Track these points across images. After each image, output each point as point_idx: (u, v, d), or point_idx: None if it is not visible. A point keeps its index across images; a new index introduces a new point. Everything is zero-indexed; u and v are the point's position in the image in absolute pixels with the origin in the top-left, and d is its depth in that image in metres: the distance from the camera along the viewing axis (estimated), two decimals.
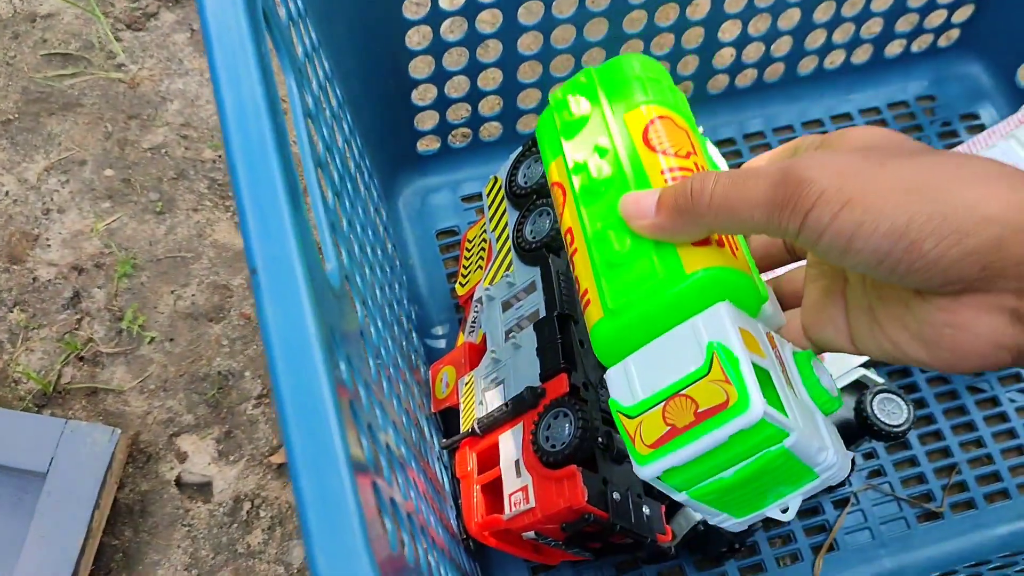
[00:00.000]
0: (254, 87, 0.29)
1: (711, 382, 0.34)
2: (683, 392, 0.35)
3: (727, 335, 0.35)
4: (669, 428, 0.34)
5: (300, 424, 0.24)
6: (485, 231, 0.73)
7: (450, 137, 0.84)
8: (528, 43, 0.77)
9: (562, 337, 0.58)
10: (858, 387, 0.66)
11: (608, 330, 0.38)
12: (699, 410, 0.34)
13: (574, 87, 0.46)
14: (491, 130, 0.86)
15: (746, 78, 0.89)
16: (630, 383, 0.37)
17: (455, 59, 0.77)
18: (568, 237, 0.42)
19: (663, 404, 0.35)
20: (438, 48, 0.75)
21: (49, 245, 0.82)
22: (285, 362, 0.25)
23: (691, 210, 0.35)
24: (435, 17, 0.72)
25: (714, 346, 0.34)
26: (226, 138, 0.29)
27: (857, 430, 0.64)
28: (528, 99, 0.82)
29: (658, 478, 0.36)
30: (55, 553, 0.65)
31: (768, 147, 0.89)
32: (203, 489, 0.74)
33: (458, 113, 0.83)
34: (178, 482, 0.74)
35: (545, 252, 0.63)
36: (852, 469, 0.67)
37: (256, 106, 0.29)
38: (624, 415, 0.36)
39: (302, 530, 0.24)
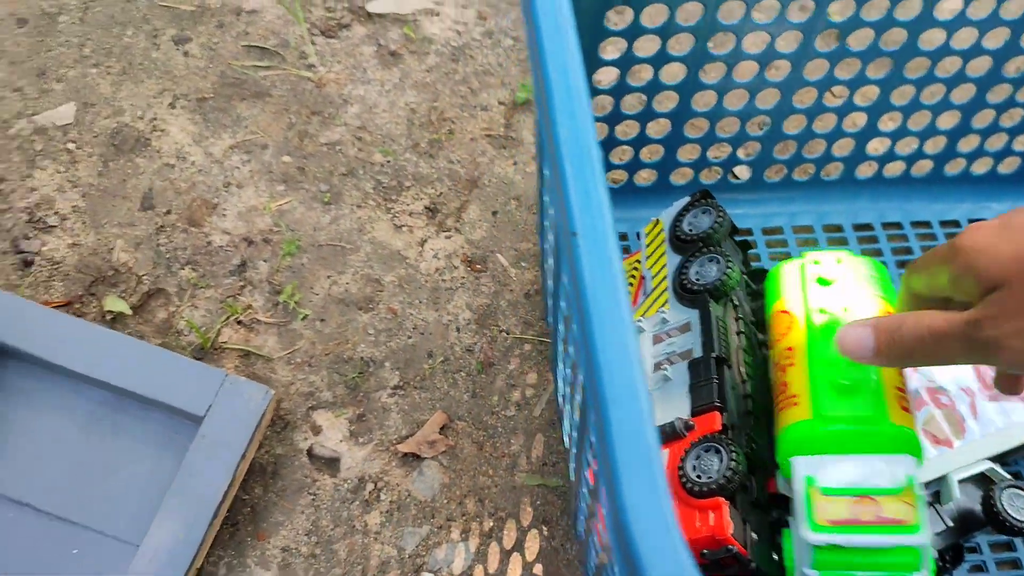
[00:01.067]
0: (578, 78, 0.33)
1: (901, 501, 0.46)
2: (875, 497, 0.47)
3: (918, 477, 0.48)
4: (851, 516, 0.46)
5: (613, 366, 0.27)
6: (637, 267, 0.75)
7: (611, 177, 0.87)
8: (706, 101, 0.80)
9: (718, 378, 0.60)
10: (984, 480, 0.67)
11: (809, 428, 0.51)
12: (881, 515, 0.46)
13: (826, 259, 0.62)
14: (646, 176, 0.89)
15: (894, 169, 0.91)
16: (828, 471, 0.49)
17: (630, 104, 0.80)
18: (788, 351, 0.57)
19: (856, 498, 0.47)
20: (620, 91, 0.78)
21: (225, 215, 0.86)
22: (599, 314, 0.28)
23: (899, 343, 0.42)
24: (623, 62, 0.76)
25: (913, 478, 0.48)
26: (553, 120, 0.32)
27: (981, 522, 0.65)
28: (688, 153, 0.85)
29: (813, 547, 0.48)
30: (201, 492, 0.68)
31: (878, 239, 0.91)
32: (331, 464, 0.76)
33: (621, 156, 0.87)
34: (309, 452, 0.77)
35: (706, 296, 0.65)
36: (961, 560, 0.67)
37: (580, 93, 0.32)
38: (817, 490, 0.48)
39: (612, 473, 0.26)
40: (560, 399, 0.78)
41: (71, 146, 0.90)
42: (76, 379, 0.73)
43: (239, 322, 0.82)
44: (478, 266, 0.87)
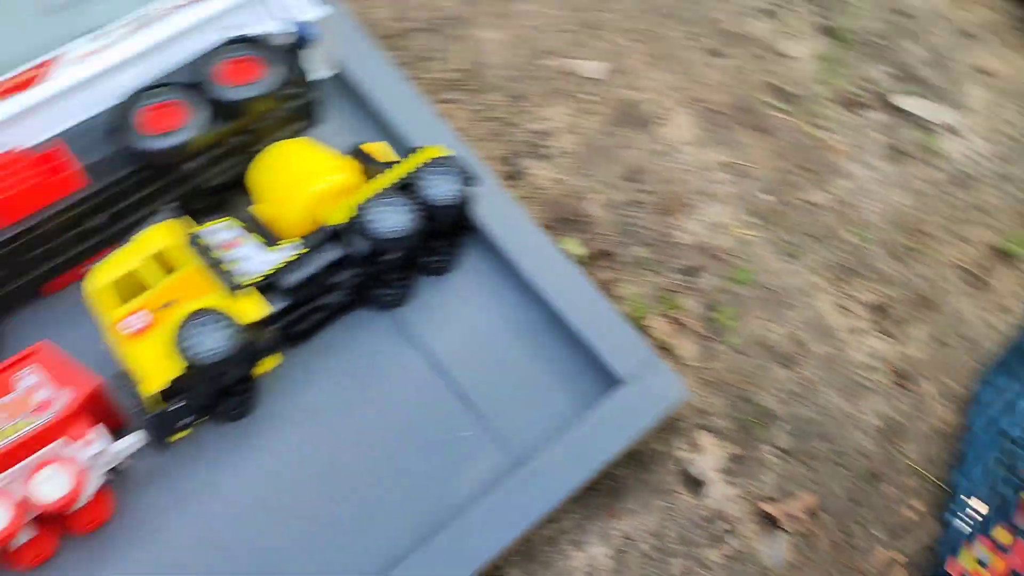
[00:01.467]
0: None
1: None
2: None
3: None
4: None
5: None
6: None
7: None
8: None
9: None
10: None
11: None
12: None
13: None
14: None
15: None
16: None
17: None
18: None
19: None
20: None
21: (694, 218, 0.88)
22: None
23: None
24: None
25: None
26: None
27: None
28: None
29: None
30: (590, 448, 0.69)
31: None
32: (697, 485, 0.75)
33: None
34: (682, 464, 0.76)
35: None
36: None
37: None
38: None
39: None
40: (947, 550, 0.73)
41: (589, 97, 0.95)
42: (525, 290, 0.76)
43: (669, 317, 0.82)
44: (904, 382, 0.83)
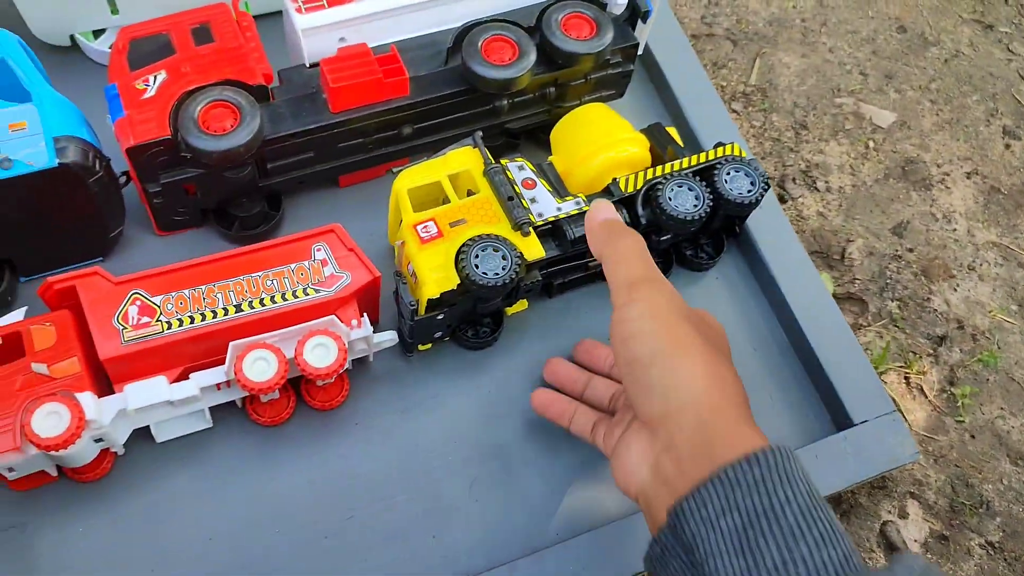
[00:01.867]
0: None
1: None
2: None
3: None
4: None
5: None
6: None
7: None
8: None
9: None
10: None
11: None
12: None
13: None
14: None
15: None
16: None
17: None
18: None
19: None
20: None
21: (955, 289, 0.84)
22: None
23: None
24: None
25: None
26: None
27: None
28: None
29: None
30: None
31: None
32: (892, 551, 0.72)
33: None
34: (883, 524, 0.73)
35: None
36: None
37: None
38: None
39: None
40: None
41: (870, 144, 0.93)
42: (776, 308, 0.75)
43: (906, 379, 0.79)
44: None
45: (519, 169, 0.63)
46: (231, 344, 0.58)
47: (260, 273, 0.60)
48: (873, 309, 0.79)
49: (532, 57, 0.68)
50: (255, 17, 0.68)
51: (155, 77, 0.62)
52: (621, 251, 0.50)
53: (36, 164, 0.56)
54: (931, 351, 0.78)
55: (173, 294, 0.58)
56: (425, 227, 0.60)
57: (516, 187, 0.62)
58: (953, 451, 0.74)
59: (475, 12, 0.70)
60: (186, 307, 0.58)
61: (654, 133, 0.72)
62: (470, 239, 0.59)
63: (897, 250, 0.83)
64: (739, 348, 0.72)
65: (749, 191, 0.67)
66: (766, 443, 0.41)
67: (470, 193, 0.64)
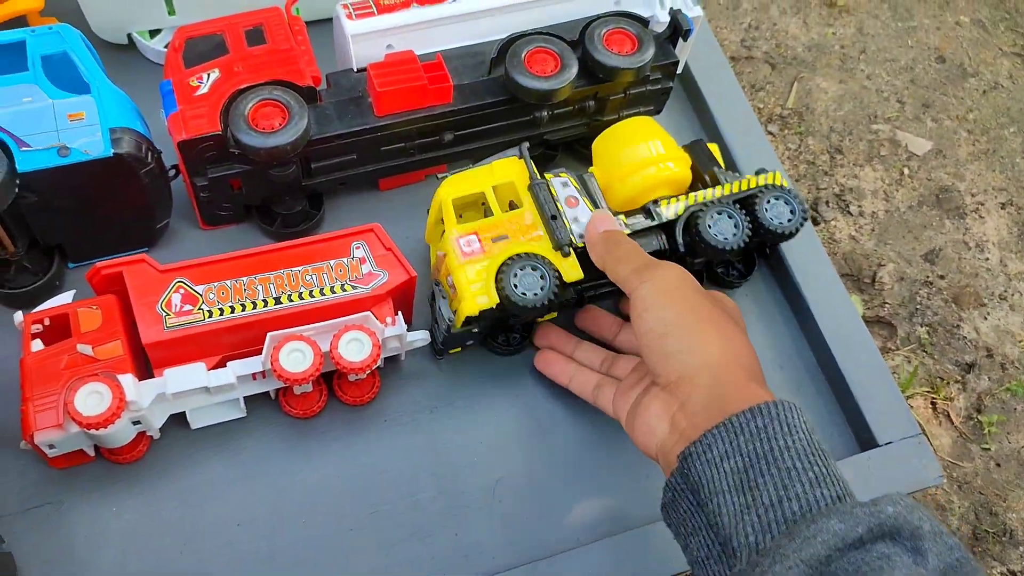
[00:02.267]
0: None
1: None
2: None
3: None
4: None
5: None
6: None
7: None
8: None
9: None
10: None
11: None
12: None
13: None
14: None
15: None
16: None
17: None
18: None
19: None
20: None
21: (985, 318, 0.84)
22: None
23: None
24: None
25: None
26: None
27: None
28: None
29: None
30: None
31: None
32: None
33: None
34: None
35: None
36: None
37: None
38: None
39: None
40: None
41: (905, 171, 0.92)
42: (804, 326, 0.75)
43: (933, 404, 0.79)
44: None
45: (563, 186, 0.63)
46: (268, 335, 0.59)
47: (300, 268, 0.61)
48: (902, 333, 0.79)
49: (574, 70, 0.69)
50: (306, 23, 0.70)
51: (208, 75, 0.63)
52: (622, 252, 0.54)
53: (92, 153, 0.58)
54: (959, 378, 0.77)
55: (215, 284, 0.59)
56: (468, 241, 0.60)
57: (559, 204, 0.62)
58: (978, 478, 0.73)
59: (520, 24, 0.71)
60: (227, 297, 0.59)
61: (696, 151, 0.72)
62: (510, 258, 0.59)
63: (928, 276, 0.82)
64: (766, 365, 0.72)
65: (789, 220, 0.67)
66: (773, 398, 0.44)
67: (512, 205, 0.64)
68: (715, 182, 0.67)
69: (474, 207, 0.64)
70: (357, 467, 0.65)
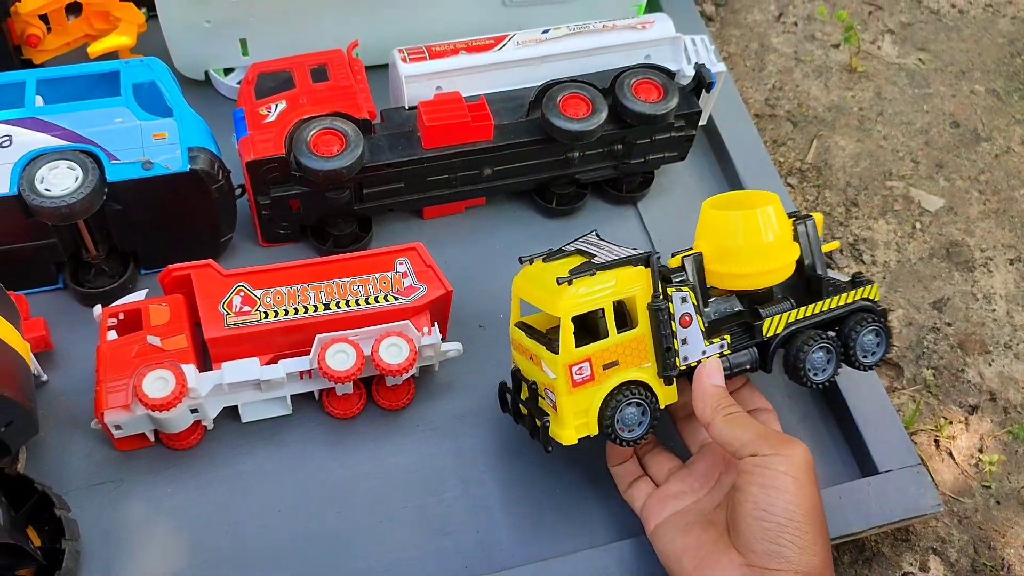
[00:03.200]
0: None
1: None
2: None
3: None
4: None
5: None
6: None
7: None
8: None
9: None
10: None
11: None
12: None
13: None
14: None
15: None
16: None
17: None
18: None
19: None
20: None
21: (990, 364, 0.86)
22: None
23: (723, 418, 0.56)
24: None
25: None
26: None
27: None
28: None
29: None
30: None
31: None
32: None
33: None
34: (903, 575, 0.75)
35: None
36: None
37: None
38: None
39: None
40: None
41: (917, 225, 0.96)
42: None
43: (936, 441, 0.81)
44: None
45: (681, 301, 0.56)
46: (317, 336, 0.64)
47: (348, 279, 0.66)
48: (908, 375, 0.82)
49: (604, 114, 0.74)
50: (365, 67, 0.76)
51: (276, 106, 0.69)
52: (739, 416, 0.54)
53: (172, 168, 0.64)
54: (962, 419, 0.80)
55: (272, 289, 0.65)
56: (580, 368, 0.54)
57: (674, 324, 0.55)
58: (978, 514, 0.76)
59: (556, 73, 0.76)
60: (282, 301, 0.64)
61: (804, 234, 0.62)
62: (617, 389, 0.54)
63: (936, 323, 0.85)
64: (774, 396, 0.76)
65: (874, 353, 0.64)
66: None
67: (622, 321, 0.57)
68: (811, 280, 0.62)
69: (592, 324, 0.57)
70: (390, 466, 0.69)
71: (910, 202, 0.98)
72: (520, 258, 0.59)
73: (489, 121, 0.73)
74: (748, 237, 0.57)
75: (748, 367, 0.60)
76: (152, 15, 0.79)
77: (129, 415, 0.61)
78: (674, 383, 0.57)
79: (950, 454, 0.81)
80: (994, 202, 0.99)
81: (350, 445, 0.69)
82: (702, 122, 0.83)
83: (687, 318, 0.56)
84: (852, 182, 0.98)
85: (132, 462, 0.66)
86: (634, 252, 0.55)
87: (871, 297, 0.63)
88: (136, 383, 0.60)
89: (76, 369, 0.68)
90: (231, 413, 0.68)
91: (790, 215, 0.61)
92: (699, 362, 0.57)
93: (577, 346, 0.53)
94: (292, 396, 0.68)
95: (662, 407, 0.57)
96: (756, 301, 0.60)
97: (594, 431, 0.55)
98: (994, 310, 0.90)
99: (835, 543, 0.69)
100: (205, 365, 0.65)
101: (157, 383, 0.60)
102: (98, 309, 0.64)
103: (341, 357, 0.64)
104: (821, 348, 0.61)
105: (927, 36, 1.13)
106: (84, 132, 0.64)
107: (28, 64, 0.76)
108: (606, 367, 0.54)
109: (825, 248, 0.64)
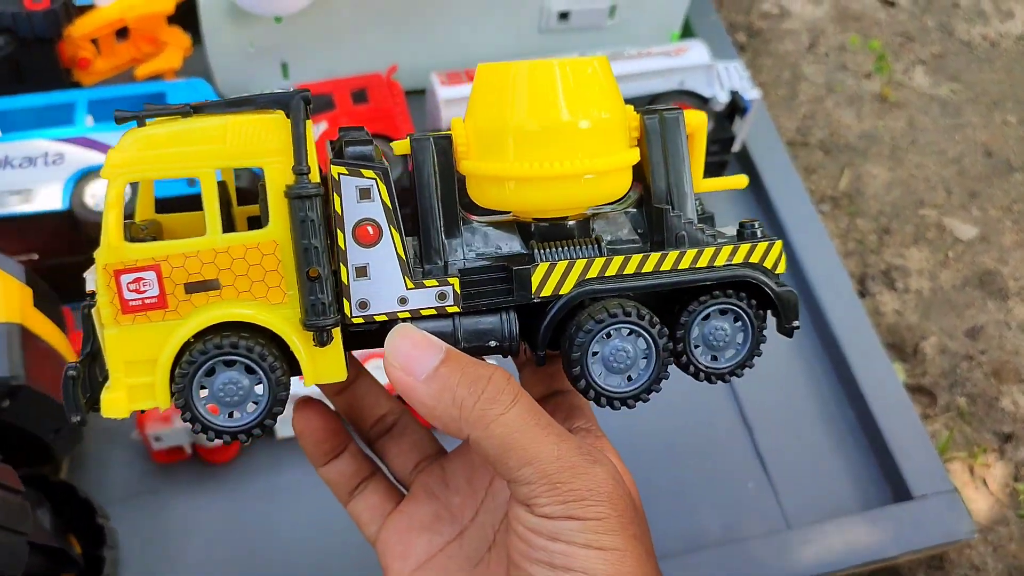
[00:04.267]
0: None
1: None
2: None
3: None
4: None
5: None
6: None
7: None
8: None
9: None
10: None
11: None
12: None
13: None
14: None
15: None
16: None
17: None
18: None
19: None
20: None
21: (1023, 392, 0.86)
22: None
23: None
24: None
25: None
26: None
27: None
28: None
29: None
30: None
31: None
32: None
33: None
34: None
35: None
36: None
37: None
38: None
39: None
40: None
41: (950, 253, 0.96)
42: (846, 385, 0.78)
43: (970, 469, 0.81)
44: None
45: (360, 195, 0.31)
46: (351, 352, 0.65)
47: None
48: (942, 402, 0.82)
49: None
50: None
51: (318, 126, 0.71)
52: (511, 424, 0.30)
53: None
54: (996, 447, 0.79)
55: None
56: (137, 281, 0.30)
57: (341, 235, 0.31)
58: (1013, 543, 0.75)
59: None
60: None
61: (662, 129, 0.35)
62: (204, 341, 0.30)
63: (969, 351, 0.85)
64: (810, 420, 0.76)
65: (725, 349, 0.35)
66: None
67: (253, 220, 0.35)
68: (659, 221, 0.34)
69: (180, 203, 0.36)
70: None
71: (943, 231, 0.98)
72: (116, 112, 0.31)
73: None
74: (536, 108, 0.31)
75: (492, 344, 0.33)
76: (198, 40, 0.81)
77: (169, 427, 0.62)
78: (339, 347, 0.31)
79: (984, 483, 0.80)
80: None
81: None
82: (735, 148, 0.83)
83: (369, 228, 0.31)
84: (884, 210, 0.98)
85: (169, 475, 0.67)
86: (278, 92, 0.31)
87: (764, 265, 0.33)
88: None
89: None
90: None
91: (645, 108, 0.35)
92: (391, 317, 0.31)
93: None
94: None
95: (309, 385, 0.32)
96: (546, 237, 0.33)
97: (163, 401, 0.31)
98: None
99: (868, 569, 0.69)
100: None
101: None
102: None
103: (377, 373, 0.65)
104: (629, 332, 0.32)
105: (959, 67, 1.13)
106: None
107: (78, 86, 0.78)
108: (193, 289, 0.30)
109: (715, 184, 0.37)
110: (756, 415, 0.75)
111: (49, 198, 0.63)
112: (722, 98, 0.78)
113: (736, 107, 0.77)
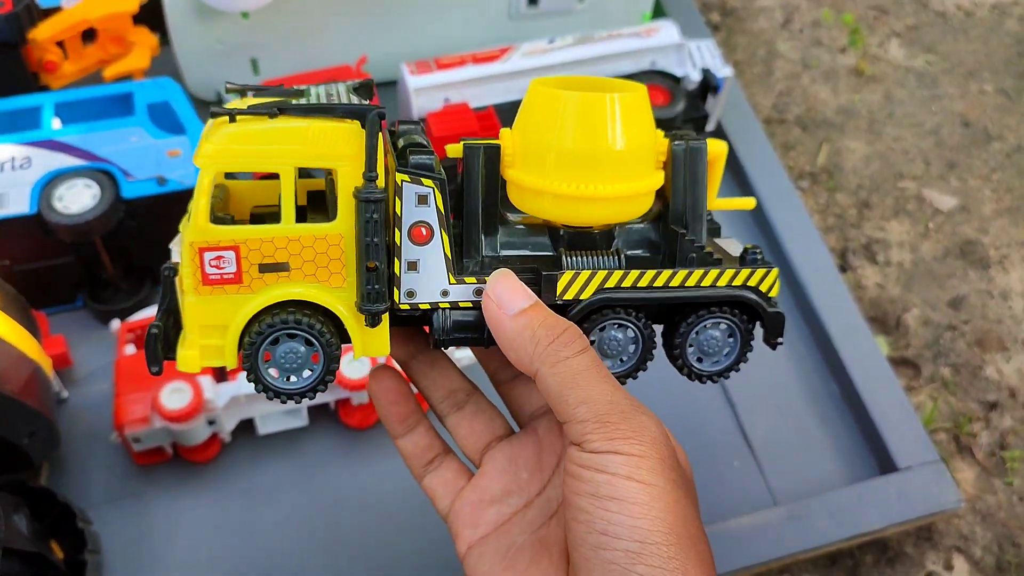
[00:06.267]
0: None
1: None
2: None
3: None
4: None
5: None
6: None
7: None
8: None
9: None
10: None
11: None
12: None
13: None
14: None
15: None
16: None
17: None
18: None
19: None
20: None
21: (1008, 361, 0.85)
22: None
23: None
24: None
25: None
26: None
27: None
28: None
29: None
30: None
31: None
32: None
33: None
34: (927, 575, 0.74)
35: None
36: None
37: None
38: None
39: None
40: None
41: (931, 225, 0.95)
42: (828, 360, 0.78)
43: (956, 439, 0.80)
44: None
45: (419, 200, 0.35)
46: None
47: None
48: (926, 373, 0.81)
49: None
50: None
51: None
52: (575, 367, 0.33)
53: (186, 183, 0.64)
54: (981, 416, 0.79)
55: None
56: (218, 258, 0.35)
57: (397, 233, 0.35)
58: (1001, 511, 0.75)
59: None
60: None
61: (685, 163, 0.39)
62: (278, 308, 0.35)
63: (952, 321, 0.85)
64: (793, 396, 0.75)
65: (716, 355, 0.41)
66: None
67: (314, 202, 0.40)
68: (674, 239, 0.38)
69: (264, 193, 0.40)
70: (406, 475, 0.69)
71: (923, 202, 0.97)
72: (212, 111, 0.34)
73: (498, 130, 0.73)
74: (580, 136, 0.36)
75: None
76: (165, 39, 0.80)
77: (148, 428, 0.62)
78: (386, 328, 0.36)
79: (971, 452, 0.80)
80: (1007, 200, 0.98)
81: (366, 455, 0.69)
82: (710, 127, 0.83)
83: (423, 229, 0.35)
84: (864, 184, 0.98)
85: (151, 476, 0.66)
86: (357, 104, 0.35)
87: (760, 288, 0.38)
88: (154, 395, 0.60)
89: (94, 386, 0.68)
90: (248, 426, 0.68)
91: (673, 133, 0.39)
92: (434, 306, 0.36)
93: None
94: (308, 407, 0.68)
95: (357, 357, 0.38)
96: (573, 244, 0.38)
97: (231, 362, 0.36)
98: (1011, 307, 0.89)
99: (856, 542, 0.69)
100: (223, 378, 0.65)
101: (175, 395, 0.60)
102: (116, 323, 0.65)
103: (356, 366, 0.64)
104: (619, 325, 0.38)
105: (934, 38, 1.13)
106: (100, 152, 0.64)
107: (45, 90, 0.77)
108: (266, 269, 0.35)
109: (726, 204, 0.42)
110: (739, 393, 0.75)
111: (17, 202, 0.62)
112: (694, 77, 0.78)
113: (708, 85, 0.76)
